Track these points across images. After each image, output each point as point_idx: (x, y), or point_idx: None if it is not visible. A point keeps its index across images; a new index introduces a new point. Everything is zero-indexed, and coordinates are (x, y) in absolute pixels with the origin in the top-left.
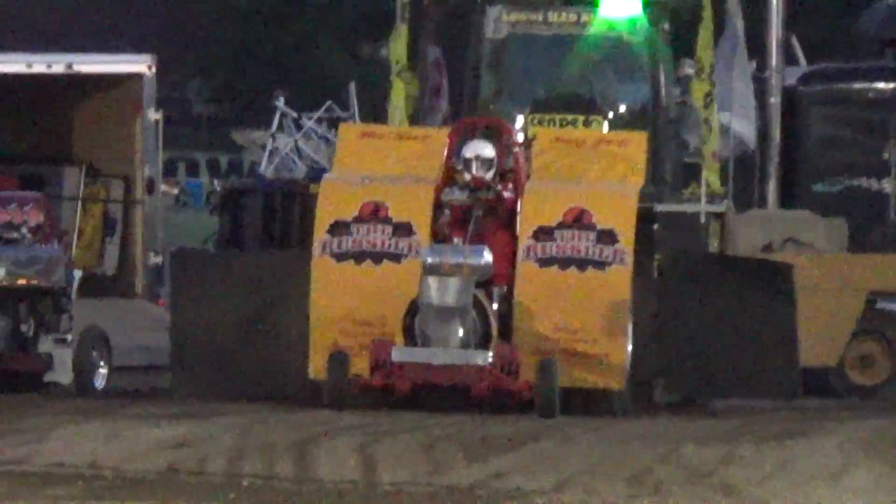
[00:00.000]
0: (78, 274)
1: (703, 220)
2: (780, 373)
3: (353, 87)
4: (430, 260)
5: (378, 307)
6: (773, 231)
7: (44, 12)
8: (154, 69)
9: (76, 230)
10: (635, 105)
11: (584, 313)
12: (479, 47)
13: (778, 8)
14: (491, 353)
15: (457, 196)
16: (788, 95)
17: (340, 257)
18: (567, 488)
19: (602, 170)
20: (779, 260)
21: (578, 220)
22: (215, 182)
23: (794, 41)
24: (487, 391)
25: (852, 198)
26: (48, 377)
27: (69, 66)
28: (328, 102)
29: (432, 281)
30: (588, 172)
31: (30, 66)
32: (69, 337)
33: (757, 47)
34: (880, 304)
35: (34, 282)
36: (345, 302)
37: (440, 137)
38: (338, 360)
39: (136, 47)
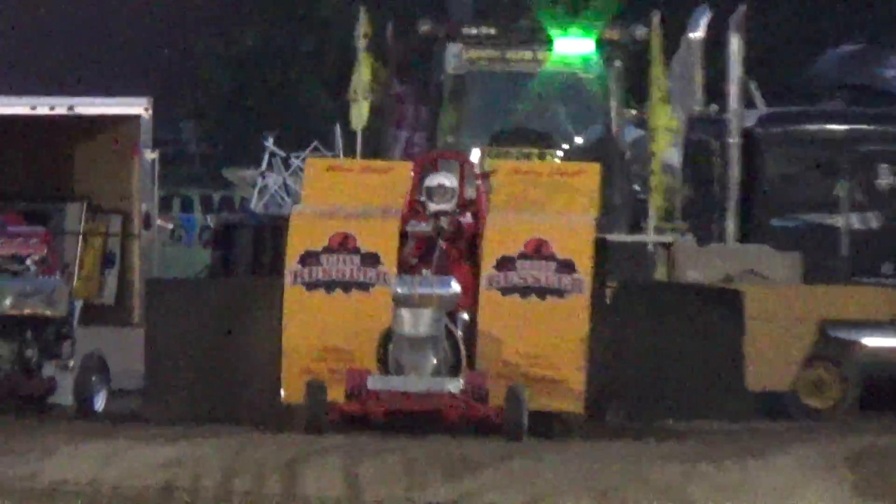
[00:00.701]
0: (79, 303)
1: (651, 249)
2: (728, 396)
3: (338, 128)
4: (399, 290)
5: (348, 334)
6: (733, 263)
7: (45, 54)
8: (150, 111)
9: (77, 262)
10: (588, 138)
11: (544, 340)
12: (440, 82)
13: (737, 55)
14: (462, 381)
15: (421, 227)
16: (747, 136)
17: (311, 286)
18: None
19: (559, 201)
20: (729, 287)
21: (538, 251)
22: (208, 217)
23: (753, 86)
24: (458, 417)
25: (806, 232)
26: (51, 400)
27: (71, 108)
28: (314, 143)
29: (405, 312)
30: (545, 203)
31: (34, 108)
32: (71, 362)
33: (717, 91)
34: (832, 332)
35: (38, 311)
36: (316, 329)
37: (404, 170)
38: (315, 387)
39: (134, 89)
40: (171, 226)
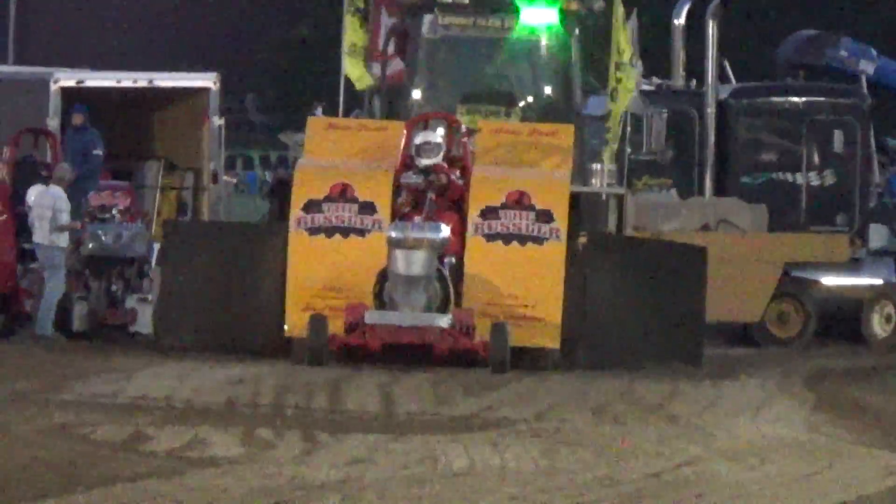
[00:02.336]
0: (157, 246)
1: (604, 198)
2: (687, 343)
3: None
4: (394, 234)
5: (346, 274)
6: (710, 214)
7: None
8: (218, 84)
9: (156, 211)
10: (550, 100)
11: (524, 282)
12: (417, 46)
13: (713, 38)
14: (451, 316)
15: (413, 179)
16: (721, 107)
17: (313, 231)
18: (544, 418)
19: (537, 157)
20: (697, 243)
21: (519, 202)
22: (267, 173)
23: (726, 63)
24: (448, 349)
25: (771, 188)
26: (133, 328)
27: (151, 81)
28: (356, 111)
29: (400, 253)
30: (525, 159)
31: (119, 81)
32: (150, 296)
33: (696, 67)
34: (794, 273)
35: (123, 252)
36: (317, 270)
37: (396, 129)
38: (317, 321)
39: (206, 66)
40: (235, 181)
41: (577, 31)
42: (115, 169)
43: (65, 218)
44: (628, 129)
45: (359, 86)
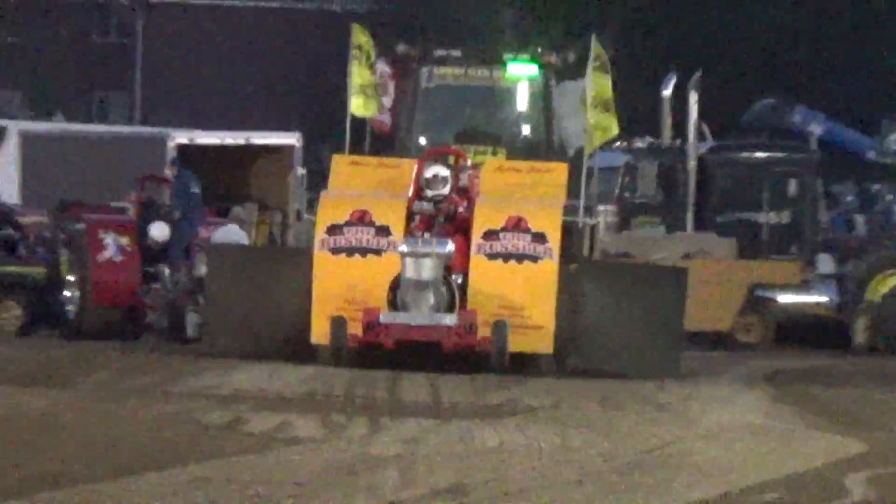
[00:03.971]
0: None
1: (580, 227)
2: (667, 354)
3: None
4: (406, 248)
5: (364, 289)
6: (691, 245)
7: (229, 99)
8: (300, 141)
9: (254, 242)
10: (531, 139)
11: (522, 294)
12: (415, 92)
13: (694, 105)
14: (456, 316)
15: (424, 207)
16: (701, 160)
17: (335, 251)
18: (559, 407)
19: (535, 190)
20: (676, 266)
21: (517, 225)
22: None
23: (704, 126)
24: (454, 345)
25: (740, 225)
26: None
27: (248, 139)
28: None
29: (411, 261)
30: (524, 192)
31: (222, 139)
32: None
33: (680, 128)
34: (757, 292)
35: None
36: (339, 285)
37: (409, 165)
38: (338, 323)
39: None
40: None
41: (552, 80)
42: (220, 208)
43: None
44: (626, 178)
45: (360, 114)
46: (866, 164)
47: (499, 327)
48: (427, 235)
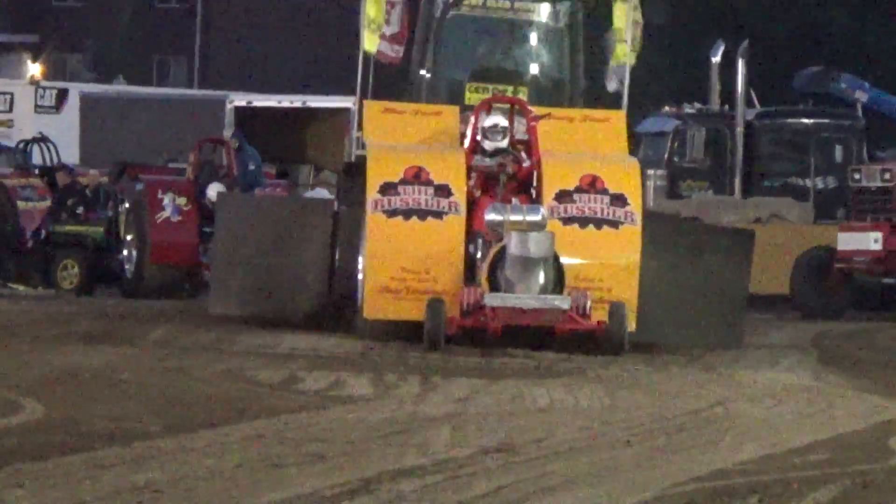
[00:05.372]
0: None
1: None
2: (728, 325)
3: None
4: (493, 216)
5: (424, 257)
6: (762, 210)
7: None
8: (356, 105)
9: None
10: (555, 78)
11: (602, 265)
12: (429, 25)
13: (742, 73)
14: (570, 298)
15: (486, 162)
16: (748, 126)
17: (391, 214)
18: (608, 367)
19: (595, 142)
20: (743, 228)
21: (593, 185)
22: None
23: (752, 92)
24: (568, 331)
25: (787, 190)
26: None
27: (304, 102)
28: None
29: (517, 235)
30: (584, 144)
31: (279, 102)
32: None
33: (729, 94)
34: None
35: None
36: (395, 252)
37: (449, 113)
38: (435, 304)
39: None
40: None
41: (579, 14)
42: (278, 171)
43: None
44: (675, 143)
45: (372, 50)
46: None
47: (617, 311)
48: (515, 201)
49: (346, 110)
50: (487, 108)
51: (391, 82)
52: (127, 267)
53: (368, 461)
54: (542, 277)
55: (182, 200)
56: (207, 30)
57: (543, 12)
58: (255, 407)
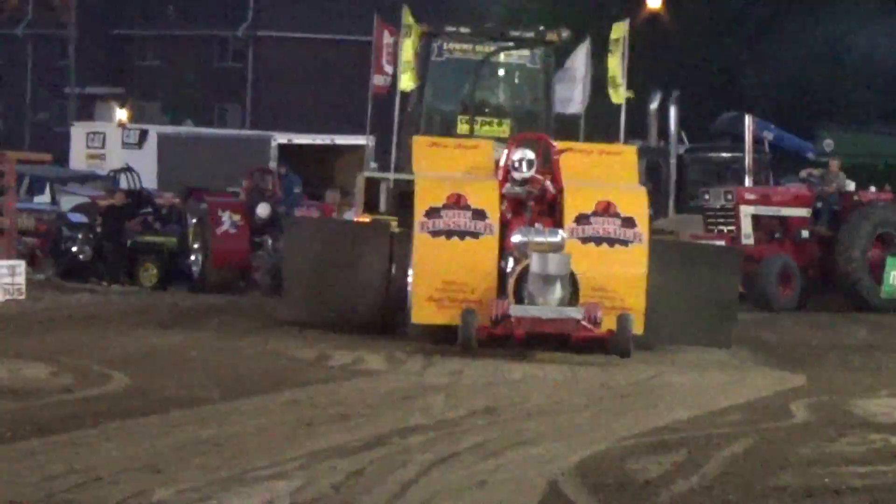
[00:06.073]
0: None
1: None
2: (719, 329)
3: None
4: (520, 238)
5: (462, 271)
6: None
7: (317, 107)
8: (373, 143)
9: None
10: (532, 111)
11: (613, 278)
12: (427, 66)
13: (675, 118)
14: (583, 309)
15: (515, 190)
16: (679, 159)
17: (435, 234)
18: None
19: (610, 172)
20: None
21: (607, 210)
22: None
23: (682, 132)
24: (582, 338)
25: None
26: None
27: (332, 140)
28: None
29: (538, 256)
30: (600, 174)
31: (313, 140)
32: None
33: (665, 132)
34: None
35: None
36: (438, 266)
37: (484, 146)
38: (469, 314)
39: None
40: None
41: (552, 57)
42: (312, 193)
43: None
44: None
45: (407, 89)
46: (807, 161)
47: (624, 320)
48: (538, 225)
49: (363, 147)
50: (517, 143)
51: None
52: (194, 269)
53: (382, 420)
54: (559, 292)
55: (237, 217)
56: (256, 83)
57: (522, 55)
58: (293, 378)
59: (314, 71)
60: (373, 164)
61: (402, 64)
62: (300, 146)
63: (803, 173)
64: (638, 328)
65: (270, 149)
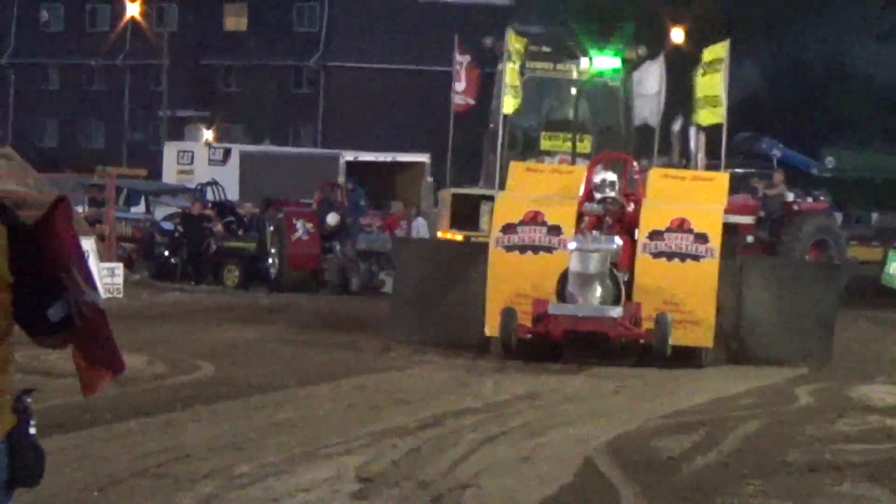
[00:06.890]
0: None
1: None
2: (819, 347)
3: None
4: (574, 244)
5: (536, 284)
6: None
7: (382, 128)
8: (430, 159)
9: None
10: (612, 126)
11: (685, 292)
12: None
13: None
14: (622, 308)
15: (592, 208)
16: None
17: (509, 249)
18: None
19: (697, 196)
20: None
21: (681, 226)
22: None
23: (702, 153)
24: (619, 336)
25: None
26: (382, 290)
27: (394, 157)
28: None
29: (577, 255)
30: (688, 197)
31: (377, 157)
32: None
33: (686, 152)
34: None
35: (377, 248)
36: (512, 280)
37: (579, 171)
38: (508, 313)
39: (422, 148)
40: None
41: (631, 73)
42: (375, 204)
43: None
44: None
45: (510, 112)
46: (810, 177)
47: (661, 320)
48: (596, 233)
49: (422, 163)
50: (600, 163)
51: (463, 135)
52: (272, 270)
53: (438, 403)
54: (598, 290)
55: (310, 225)
56: (327, 107)
57: (603, 74)
58: (359, 367)
59: (378, 96)
60: (429, 179)
61: (506, 88)
62: (365, 163)
63: (752, 183)
64: (707, 341)
65: (339, 165)
